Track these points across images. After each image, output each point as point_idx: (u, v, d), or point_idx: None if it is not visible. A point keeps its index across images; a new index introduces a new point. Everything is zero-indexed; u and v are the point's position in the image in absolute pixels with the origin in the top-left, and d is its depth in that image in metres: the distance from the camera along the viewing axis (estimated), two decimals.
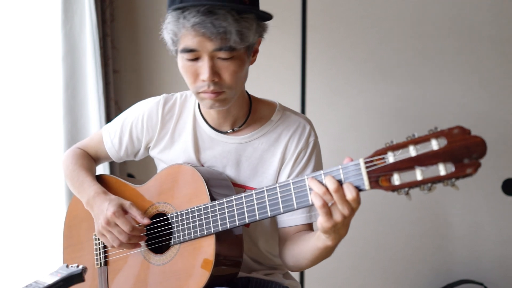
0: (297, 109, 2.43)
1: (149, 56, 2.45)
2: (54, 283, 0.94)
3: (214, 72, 1.12)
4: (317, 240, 1.07)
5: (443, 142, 0.84)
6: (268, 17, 1.16)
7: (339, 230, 1.00)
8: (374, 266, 2.47)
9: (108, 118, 2.24)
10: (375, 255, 2.46)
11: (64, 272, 0.97)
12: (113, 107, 2.26)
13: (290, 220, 1.26)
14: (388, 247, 2.45)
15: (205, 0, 1.07)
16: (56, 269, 0.99)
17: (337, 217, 0.96)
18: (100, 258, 1.35)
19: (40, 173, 1.99)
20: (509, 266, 2.39)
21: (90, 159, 1.44)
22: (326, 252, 1.11)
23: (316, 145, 1.32)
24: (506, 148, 2.33)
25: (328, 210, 0.96)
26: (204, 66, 1.12)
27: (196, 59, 1.13)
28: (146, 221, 1.20)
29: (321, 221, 0.97)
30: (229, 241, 1.19)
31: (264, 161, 1.29)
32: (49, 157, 2.00)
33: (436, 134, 0.84)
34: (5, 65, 1.87)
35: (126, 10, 2.43)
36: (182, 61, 1.16)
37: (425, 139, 0.85)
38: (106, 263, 1.35)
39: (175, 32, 1.12)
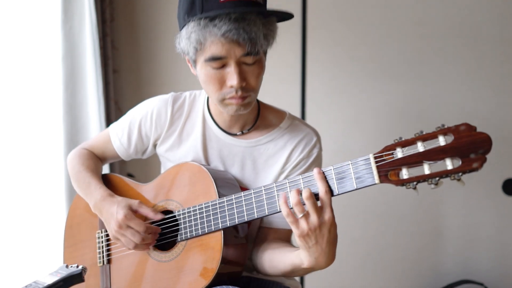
0: (297, 108, 2.43)
1: (149, 56, 2.45)
2: (53, 283, 0.94)
3: (243, 77, 1.13)
4: (296, 257, 1.10)
5: (450, 138, 0.87)
6: (288, 17, 1.16)
7: (313, 250, 1.01)
8: (375, 266, 2.47)
9: (108, 118, 2.23)
10: (376, 256, 2.46)
11: (64, 272, 0.97)
12: (113, 107, 2.26)
13: (280, 222, 1.27)
14: (388, 248, 2.45)
15: (232, 7, 1.06)
16: (56, 269, 0.99)
17: (303, 224, 0.99)
18: (103, 256, 1.35)
19: (40, 173, 1.98)
20: (509, 266, 2.39)
21: (96, 159, 1.44)
22: (299, 273, 1.14)
23: (318, 158, 1.31)
24: (506, 148, 2.34)
25: (294, 218, 1.01)
26: (232, 73, 1.12)
27: (222, 66, 1.13)
28: (159, 216, 1.21)
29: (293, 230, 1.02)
30: (235, 239, 1.20)
31: (268, 166, 1.30)
32: (49, 157, 2.00)
33: (444, 131, 0.87)
34: (5, 65, 1.87)
35: (126, 10, 2.43)
36: (206, 69, 1.15)
37: (433, 135, 0.88)
38: (109, 261, 1.35)
39: (200, 41, 1.10)
